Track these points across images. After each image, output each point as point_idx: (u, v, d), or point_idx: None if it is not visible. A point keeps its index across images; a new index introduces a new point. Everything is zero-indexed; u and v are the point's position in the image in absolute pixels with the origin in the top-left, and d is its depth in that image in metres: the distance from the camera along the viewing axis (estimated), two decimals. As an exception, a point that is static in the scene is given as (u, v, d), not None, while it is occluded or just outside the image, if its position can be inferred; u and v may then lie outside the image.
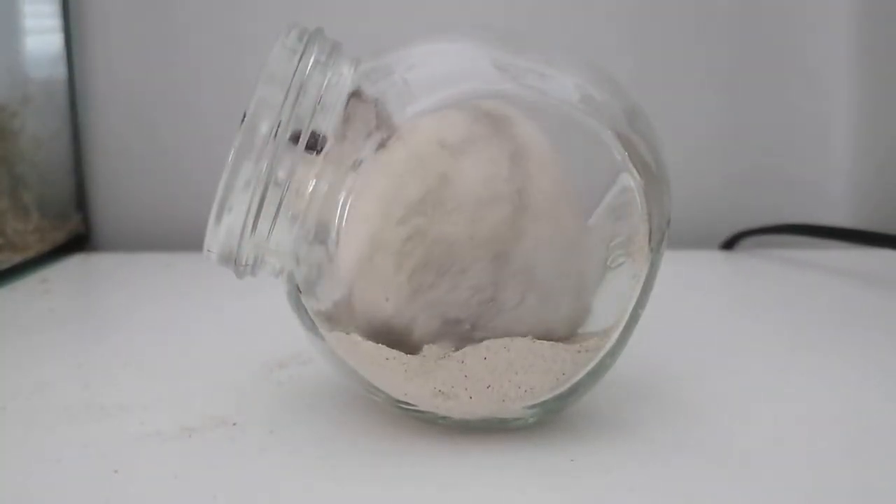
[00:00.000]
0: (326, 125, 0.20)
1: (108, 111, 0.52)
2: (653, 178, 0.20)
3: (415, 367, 0.20)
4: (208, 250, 0.20)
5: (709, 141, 0.53)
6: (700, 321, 0.34)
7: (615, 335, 0.20)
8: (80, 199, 0.51)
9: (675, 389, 0.25)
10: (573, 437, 0.21)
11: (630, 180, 0.19)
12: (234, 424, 0.22)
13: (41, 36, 0.49)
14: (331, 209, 0.19)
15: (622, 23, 0.51)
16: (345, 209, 0.19)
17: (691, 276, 0.42)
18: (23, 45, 0.48)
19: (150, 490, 0.19)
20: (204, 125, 0.51)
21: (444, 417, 0.21)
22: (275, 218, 0.20)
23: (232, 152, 0.19)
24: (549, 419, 0.22)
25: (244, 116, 0.19)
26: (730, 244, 0.50)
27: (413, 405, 0.21)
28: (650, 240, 0.20)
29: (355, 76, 0.20)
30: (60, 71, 0.50)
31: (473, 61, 0.20)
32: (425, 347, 0.19)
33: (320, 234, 0.19)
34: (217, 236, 0.20)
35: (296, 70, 0.19)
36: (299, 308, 0.21)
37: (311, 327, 0.21)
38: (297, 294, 0.21)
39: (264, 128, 0.19)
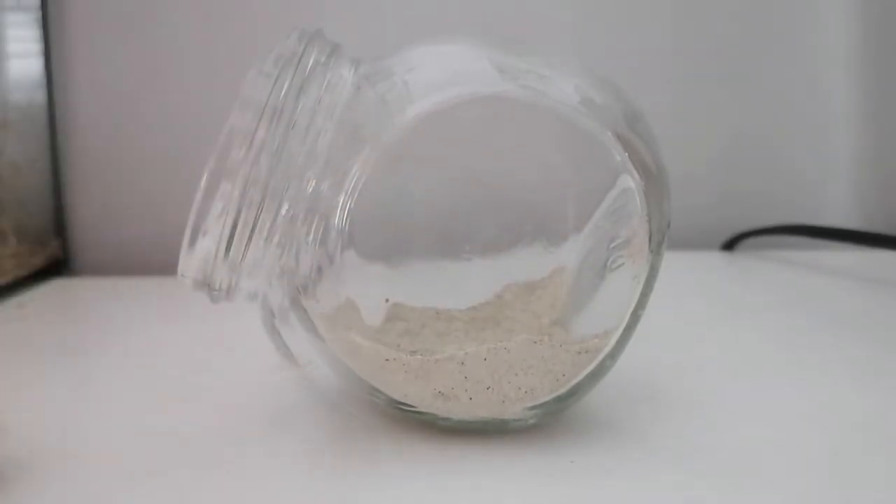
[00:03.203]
0: (324, 126, 0.20)
1: (87, 136, 0.52)
2: (653, 179, 0.20)
3: (415, 368, 0.20)
4: (182, 275, 0.20)
5: (709, 142, 0.53)
6: (700, 322, 0.34)
7: (615, 336, 0.20)
8: (59, 223, 0.51)
9: (676, 391, 0.25)
10: (573, 439, 0.21)
11: (630, 182, 0.19)
12: (215, 448, 0.22)
13: (21, 60, 0.49)
14: (331, 210, 0.19)
15: (623, 24, 0.52)
16: (345, 210, 0.19)
17: (692, 277, 0.42)
18: (3, 70, 0.48)
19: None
20: (184, 150, 0.51)
21: (444, 419, 0.21)
22: (249, 240, 0.19)
23: (205, 175, 0.19)
24: (549, 421, 0.22)
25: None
26: (730, 245, 0.50)
27: (413, 406, 0.21)
28: (650, 241, 0.20)
29: (355, 77, 0.20)
30: (40, 95, 0.50)
31: (474, 63, 0.20)
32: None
33: (321, 235, 0.19)
34: (191, 261, 0.20)
35: (295, 71, 0.19)
36: (273, 333, 0.21)
37: (311, 329, 0.20)
38: (271, 319, 0.21)
39: (238, 150, 0.19)
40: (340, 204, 0.19)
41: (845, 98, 0.53)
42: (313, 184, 0.19)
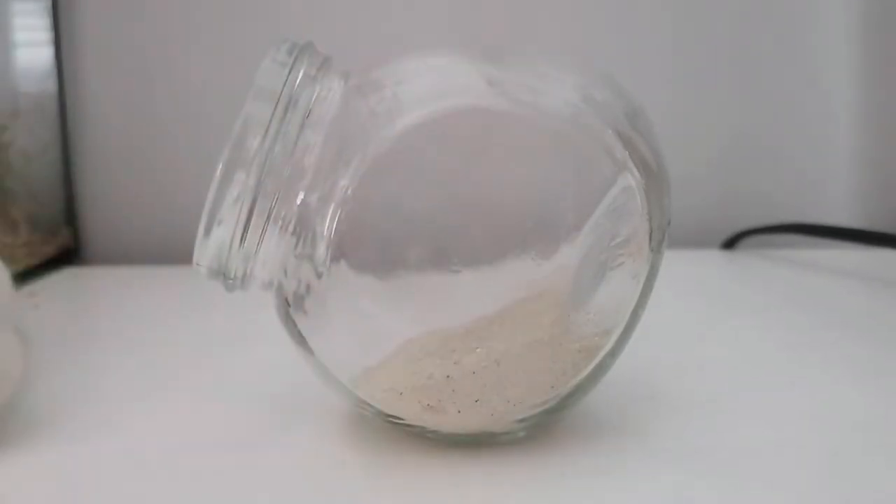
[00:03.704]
0: (315, 138, 0.19)
1: (97, 125, 0.52)
2: (653, 177, 0.20)
3: (403, 380, 0.19)
4: (197, 264, 0.20)
5: (710, 141, 0.53)
6: (701, 321, 0.33)
7: (615, 335, 0.20)
8: (70, 212, 0.51)
9: (676, 391, 0.25)
10: (573, 440, 0.21)
11: (631, 180, 0.19)
12: (227, 439, 0.22)
13: (31, 49, 0.49)
14: (319, 223, 0.19)
15: (624, 23, 0.51)
16: (333, 223, 0.19)
17: (692, 275, 0.42)
18: (13, 59, 0.48)
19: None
20: (194, 139, 0.51)
21: (433, 431, 0.21)
22: (263, 230, 0.19)
23: (220, 165, 0.19)
24: (538, 433, 0.21)
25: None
26: (731, 244, 0.50)
27: (402, 419, 0.20)
28: (650, 240, 0.19)
29: (345, 90, 0.20)
30: (50, 85, 0.50)
31: (464, 76, 0.20)
32: None
33: (307, 250, 0.19)
34: (206, 250, 0.19)
35: (285, 83, 0.19)
36: (288, 322, 0.20)
37: (301, 341, 0.20)
38: (285, 308, 0.20)
39: (253, 140, 0.19)
40: (329, 215, 0.19)
41: (845, 98, 0.52)
42: (302, 196, 0.19)
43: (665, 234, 0.20)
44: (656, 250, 0.20)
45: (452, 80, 0.20)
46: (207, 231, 0.19)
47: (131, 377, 0.28)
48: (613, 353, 0.20)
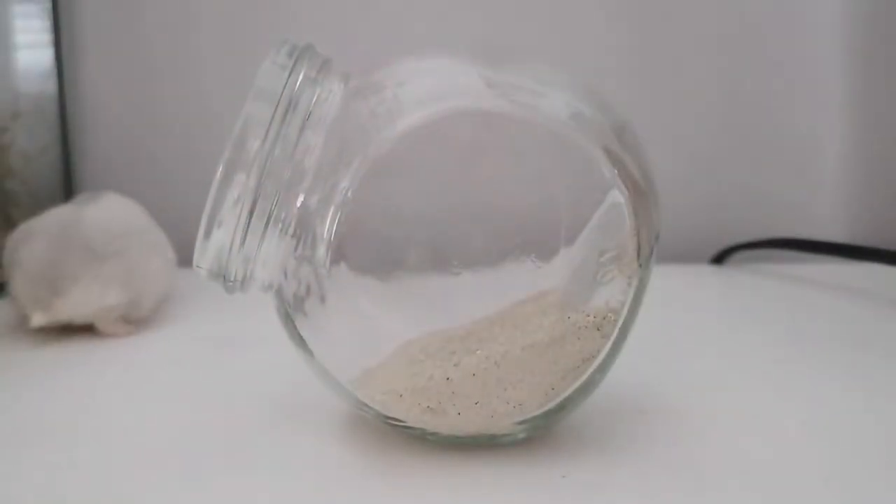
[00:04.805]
0: (315, 140, 0.19)
1: (98, 126, 0.52)
2: (641, 193, 0.20)
3: (403, 382, 0.19)
4: (197, 266, 0.20)
5: (700, 155, 0.53)
6: (690, 335, 0.33)
7: (605, 350, 0.20)
8: (70, 214, 0.51)
9: (665, 405, 0.25)
10: (564, 454, 0.21)
11: (619, 197, 0.19)
12: (227, 439, 0.22)
13: (32, 51, 0.49)
14: (319, 225, 0.19)
15: (615, 35, 0.52)
16: (333, 225, 0.19)
17: (681, 290, 0.42)
18: (13, 60, 0.48)
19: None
20: (195, 140, 0.51)
21: (433, 433, 0.21)
22: (264, 232, 0.19)
23: (221, 167, 0.19)
24: (538, 434, 0.22)
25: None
26: (720, 259, 0.50)
27: (402, 421, 0.20)
28: (639, 255, 0.20)
29: (345, 92, 0.20)
30: (51, 86, 0.50)
31: (464, 78, 0.20)
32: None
33: (307, 251, 0.19)
34: (206, 252, 0.20)
35: (285, 85, 0.19)
36: (288, 323, 0.21)
37: (300, 343, 0.20)
38: (285, 309, 0.20)
39: (253, 142, 0.19)
40: (329, 217, 0.19)
41: (835, 114, 0.53)
42: (302, 198, 0.19)
43: (653, 249, 0.20)
44: (645, 265, 0.20)
45: (452, 81, 0.20)
46: (207, 233, 0.19)
47: (131, 377, 0.28)
48: (602, 368, 0.20)
